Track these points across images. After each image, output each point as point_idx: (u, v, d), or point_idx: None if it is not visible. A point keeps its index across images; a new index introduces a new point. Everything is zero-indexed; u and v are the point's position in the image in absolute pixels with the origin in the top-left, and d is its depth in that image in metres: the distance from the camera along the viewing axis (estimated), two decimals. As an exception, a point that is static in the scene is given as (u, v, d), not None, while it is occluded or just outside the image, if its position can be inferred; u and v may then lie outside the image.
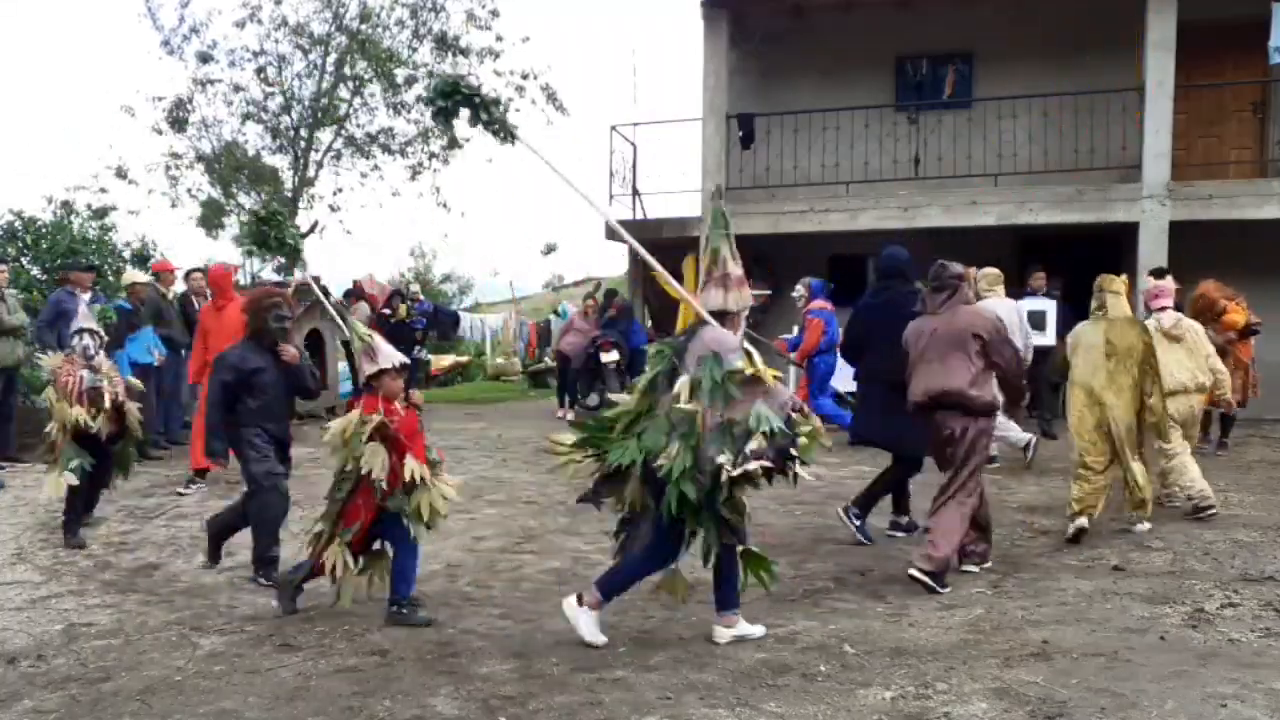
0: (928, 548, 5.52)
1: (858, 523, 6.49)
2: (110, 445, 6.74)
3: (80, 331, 6.72)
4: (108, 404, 6.56)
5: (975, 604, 5.18)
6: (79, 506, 6.71)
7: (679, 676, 4.22)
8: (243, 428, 5.73)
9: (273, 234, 5.91)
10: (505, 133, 4.83)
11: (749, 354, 4.61)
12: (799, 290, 11.16)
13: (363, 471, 4.85)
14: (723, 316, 4.71)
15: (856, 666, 4.31)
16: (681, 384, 4.51)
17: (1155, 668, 4.21)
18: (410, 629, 4.88)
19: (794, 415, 4.53)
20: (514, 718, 3.85)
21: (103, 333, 7.00)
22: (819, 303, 10.91)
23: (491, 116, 4.79)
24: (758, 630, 4.72)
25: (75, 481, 6.45)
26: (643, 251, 5.17)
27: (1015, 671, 4.20)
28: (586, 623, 4.65)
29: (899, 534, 6.63)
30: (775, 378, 4.63)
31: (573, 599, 4.72)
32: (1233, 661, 4.29)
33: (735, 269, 4.79)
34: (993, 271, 9.12)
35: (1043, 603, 5.18)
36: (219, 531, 6.06)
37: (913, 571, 5.46)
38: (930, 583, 5.40)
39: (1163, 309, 7.32)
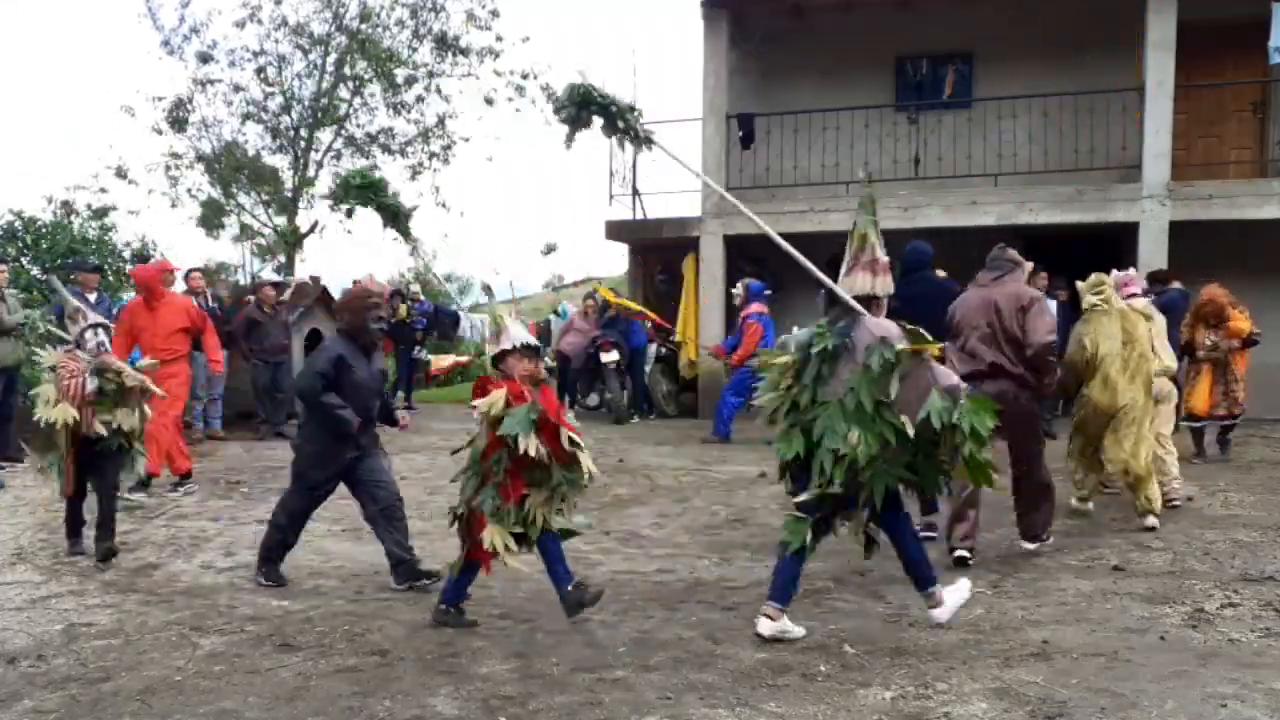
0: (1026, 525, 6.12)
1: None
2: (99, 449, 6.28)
3: (94, 326, 6.47)
4: (153, 388, 6.41)
5: (975, 604, 5.17)
6: (80, 513, 6.49)
7: (679, 676, 4.22)
8: (325, 429, 5.58)
9: (373, 195, 5.50)
10: (642, 139, 4.75)
11: (915, 335, 4.60)
12: (737, 291, 11.03)
13: (520, 450, 4.59)
14: (869, 301, 4.69)
15: (856, 666, 4.31)
16: (858, 376, 4.51)
17: (1155, 668, 4.21)
18: (409, 629, 4.88)
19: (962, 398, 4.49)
20: (514, 718, 3.85)
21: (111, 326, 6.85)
22: (756, 306, 10.77)
23: (628, 124, 4.70)
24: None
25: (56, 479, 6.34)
26: (793, 251, 4.86)
27: (1015, 671, 4.20)
28: (955, 599, 4.73)
29: (933, 534, 6.29)
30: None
31: (937, 612, 4.72)
32: (1233, 661, 4.29)
33: (882, 254, 4.75)
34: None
35: (1043, 603, 5.19)
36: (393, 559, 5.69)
37: (1024, 544, 6.13)
38: (1033, 547, 6.10)
39: (1132, 295, 7.41)
